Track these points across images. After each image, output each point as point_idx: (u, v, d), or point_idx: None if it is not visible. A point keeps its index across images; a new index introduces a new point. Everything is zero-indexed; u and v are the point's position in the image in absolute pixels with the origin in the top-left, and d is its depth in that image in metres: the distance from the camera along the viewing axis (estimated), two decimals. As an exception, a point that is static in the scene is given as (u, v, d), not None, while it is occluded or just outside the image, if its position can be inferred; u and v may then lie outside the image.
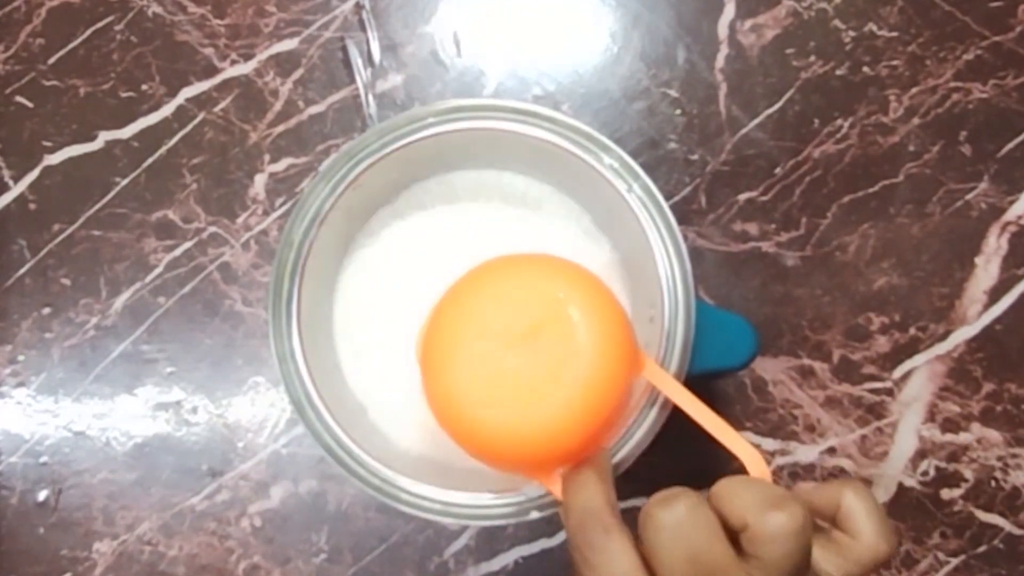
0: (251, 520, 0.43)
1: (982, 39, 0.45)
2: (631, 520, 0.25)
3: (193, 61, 0.47)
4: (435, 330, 0.28)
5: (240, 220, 0.45)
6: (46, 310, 0.45)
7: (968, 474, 0.42)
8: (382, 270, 0.37)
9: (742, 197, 0.44)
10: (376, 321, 0.36)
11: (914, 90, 0.45)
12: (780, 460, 0.42)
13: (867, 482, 0.42)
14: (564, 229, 0.37)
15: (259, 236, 0.45)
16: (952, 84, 0.45)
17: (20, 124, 0.47)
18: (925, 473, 0.42)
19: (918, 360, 0.43)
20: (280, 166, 0.46)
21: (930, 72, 0.45)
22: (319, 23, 0.47)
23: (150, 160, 0.46)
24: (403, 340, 0.35)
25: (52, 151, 0.46)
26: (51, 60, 0.47)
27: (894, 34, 0.45)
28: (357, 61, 0.46)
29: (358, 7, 0.47)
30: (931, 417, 0.42)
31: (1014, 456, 0.42)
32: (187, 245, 0.45)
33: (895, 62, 0.45)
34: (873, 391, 0.43)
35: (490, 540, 0.43)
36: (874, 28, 0.45)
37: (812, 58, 0.45)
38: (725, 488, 0.24)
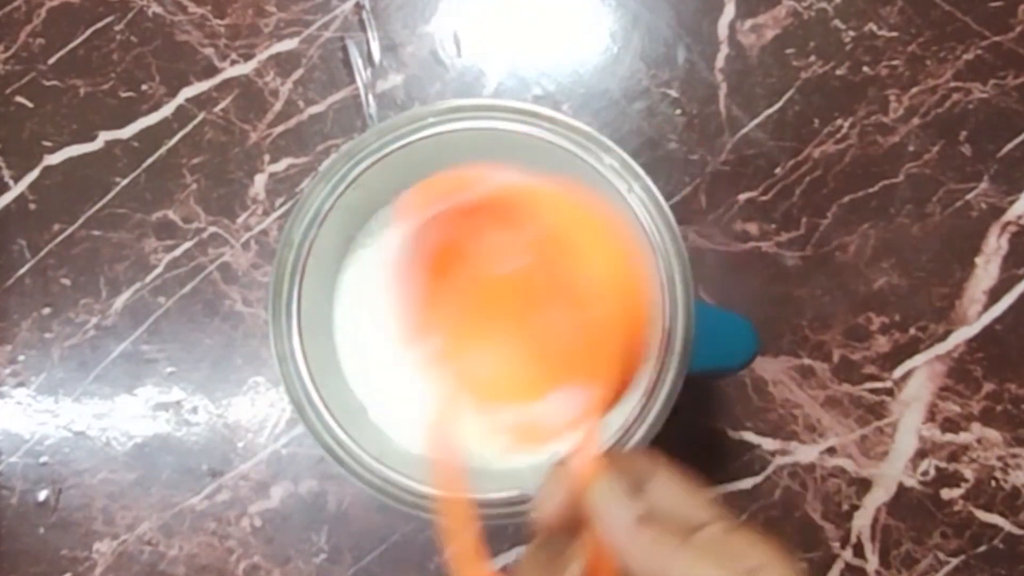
0: (251, 520, 0.43)
1: (982, 39, 0.45)
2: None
3: (193, 61, 0.47)
4: None
5: (240, 220, 0.45)
6: (46, 310, 0.45)
7: (968, 474, 0.42)
8: (382, 270, 0.37)
9: (742, 197, 0.44)
10: (376, 321, 0.36)
11: (914, 90, 0.45)
12: (780, 460, 0.42)
13: (867, 482, 0.42)
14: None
15: (259, 236, 0.45)
16: (952, 84, 0.45)
17: (20, 124, 0.47)
18: (925, 473, 0.42)
19: (918, 360, 0.43)
20: (280, 166, 0.46)
21: (930, 72, 0.45)
22: (319, 23, 0.47)
23: (150, 160, 0.46)
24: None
25: (52, 151, 0.46)
26: (51, 60, 0.47)
27: (894, 34, 0.45)
28: (357, 61, 0.46)
29: (358, 7, 0.47)
30: (931, 417, 0.42)
31: (1014, 456, 0.42)
32: (187, 245, 0.45)
33: (895, 62, 0.45)
34: (873, 391, 0.43)
35: (490, 540, 0.43)
36: (874, 28, 0.45)
37: (812, 58, 0.45)
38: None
